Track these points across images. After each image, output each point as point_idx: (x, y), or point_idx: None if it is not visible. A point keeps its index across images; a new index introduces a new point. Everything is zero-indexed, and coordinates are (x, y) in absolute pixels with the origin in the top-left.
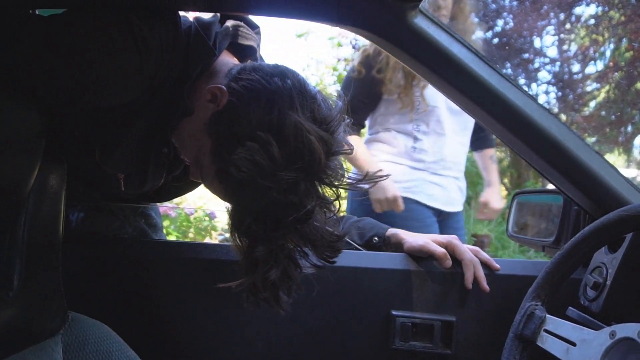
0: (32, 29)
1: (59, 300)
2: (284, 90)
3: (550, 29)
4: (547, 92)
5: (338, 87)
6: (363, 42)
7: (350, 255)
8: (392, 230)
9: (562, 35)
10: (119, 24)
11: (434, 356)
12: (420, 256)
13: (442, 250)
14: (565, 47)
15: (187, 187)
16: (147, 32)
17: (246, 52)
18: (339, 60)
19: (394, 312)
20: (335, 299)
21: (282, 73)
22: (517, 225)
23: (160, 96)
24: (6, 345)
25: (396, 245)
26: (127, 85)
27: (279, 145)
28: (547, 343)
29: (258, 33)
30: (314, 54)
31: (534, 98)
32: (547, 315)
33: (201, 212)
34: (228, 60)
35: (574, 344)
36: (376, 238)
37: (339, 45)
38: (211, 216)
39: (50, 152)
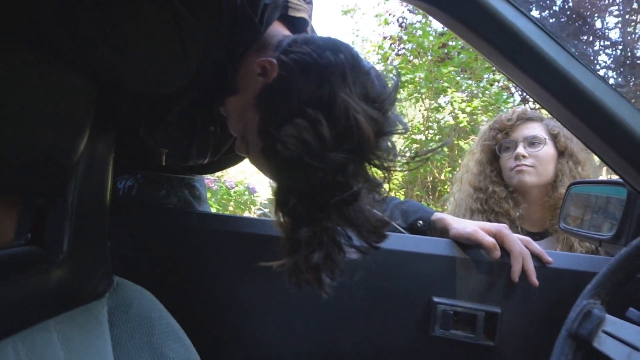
0: (82, 14)
1: (105, 265)
2: (336, 65)
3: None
4: (606, 78)
5: (382, 66)
6: (411, 19)
7: (392, 238)
8: (437, 215)
9: (627, 17)
10: (164, 13)
11: (475, 347)
12: (467, 244)
13: (491, 239)
14: (630, 29)
15: (234, 160)
16: (192, 21)
17: (298, 24)
18: (385, 38)
19: (435, 299)
20: (375, 281)
21: (334, 46)
22: (571, 217)
23: (205, 75)
24: (56, 305)
25: (442, 231)
26: (173, 75)
27: (329, 124)
28: (606, 345)
29: (309, 3)
30: (359, 31)
31: (604, 79)
32: (607, 316)
33: (241, 187)
34: (279, 31)
35: (638, 349)
36: (421, 222)
37: (386, 22)
38: (251, 191)
39: (99, 122)
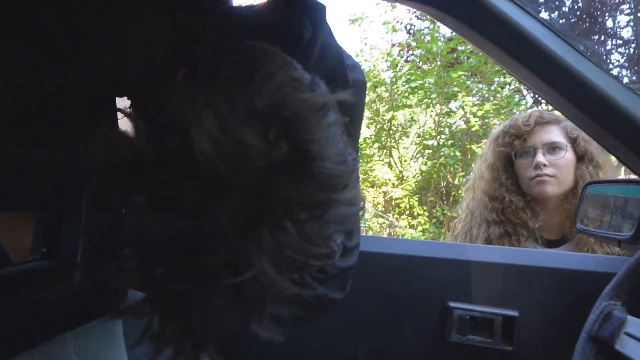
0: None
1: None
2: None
3: (625, 7)
4: (619, 76)
5: (391, 73)
6: (419, 26)
7: (404, 243)
8: None
9: (639, 15)
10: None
11: (494, 352)
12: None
13: None
14: None
15: None
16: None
17: None
18: (393, 45)
19: (451, 304)
20: (389, 287)
21: None
22: (588, 218)
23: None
24: (72, 318)
25: None
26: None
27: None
28: (628, 347)
29: None
30: (367, 39)
31: (616, 78)
32: (628, 317)
33: None
34: None
35: None
36: None
37: (394, 30)
38: None
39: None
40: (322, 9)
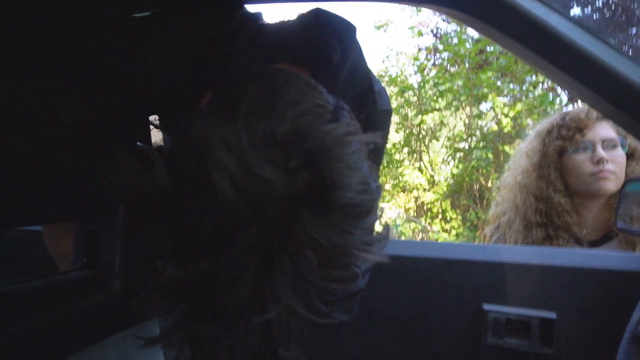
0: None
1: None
2: None
3: None
4: None
5: (419, 77)
6: (445, 29)
7: (436, 246)
8: None
9: None
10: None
11: (531, 355)
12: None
13: None
14: None
15: None
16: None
17: None
18: (420, 49)
19: (485, 307)
20: (422, 291)
21: None
22: (629, 216)
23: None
24: (111, 326)
25: None
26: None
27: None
28: None
29: None
30: (393, 45)
31: None
32: None
33: None
34: None
35: None
36: None
37: (420, 34)
38: None
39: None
40: (352, 29)
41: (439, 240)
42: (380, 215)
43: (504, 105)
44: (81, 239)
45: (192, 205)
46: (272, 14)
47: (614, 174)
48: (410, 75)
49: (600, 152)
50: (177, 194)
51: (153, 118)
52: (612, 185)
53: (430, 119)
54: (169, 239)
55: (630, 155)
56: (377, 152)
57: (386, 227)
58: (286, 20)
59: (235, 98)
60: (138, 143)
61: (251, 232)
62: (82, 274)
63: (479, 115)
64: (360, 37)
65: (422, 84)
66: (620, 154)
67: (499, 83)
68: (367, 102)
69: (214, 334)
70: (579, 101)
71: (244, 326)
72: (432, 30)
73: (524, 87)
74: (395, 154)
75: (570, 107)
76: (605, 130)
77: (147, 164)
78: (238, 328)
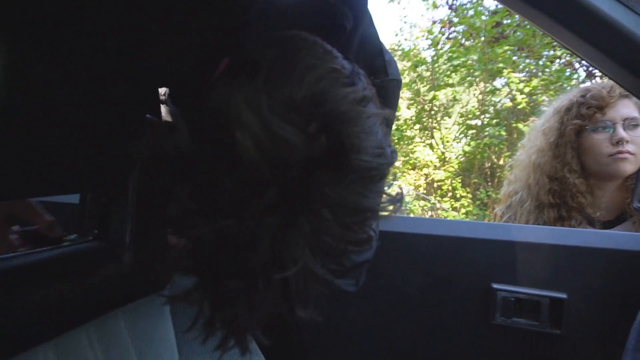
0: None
1: (165, 257)
2: None
3: None
4: None
5: (432, 51)
6: (461, 0)
7: (447, 223)
8: None
9: None
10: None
11: (541, 335)
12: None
13: None
14: None
15: None
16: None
17: None
18: (434, 22)
19: (494, 286)
20: (431, 268)
21: None
22: None
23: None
24: (122, 296)
25: None
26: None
27: None
28: None
29: None
30: (407, 17)
31: None
32: None
33: None
34: None
35: None
36: None
37: (434, 6)
38: None
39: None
40: None
41: (449, 218)
42: (394, 179)
43: (520, 81)
44: (92, 210)
45: (214, 165)
46: None
47: (633, 155)
48: (423, 49)
49: (621, 132)
50: (199, 155)
51: (162, 92)
52: (630, 166)
53: (443, 95)
54: (192, 198)
55: None
56: (387, 124)
57: (400, 191)
58: None
59: (254, 63)
60: (148, 115)
61: (271, 192)
62: (93, 245)
63: (493, 91)
64: (372, 8)
65: (435, 58)
66: None
67: (514, 58)
68: (377, 71)
69: (234, 289)
70: (597, 77)
71: (263, 283)
72: (447, 2)
73: (541, 62)
74: (406, 131)
75: (588, 83)
76: (628, 108)
77: (170, 127)
78: (258, 285)
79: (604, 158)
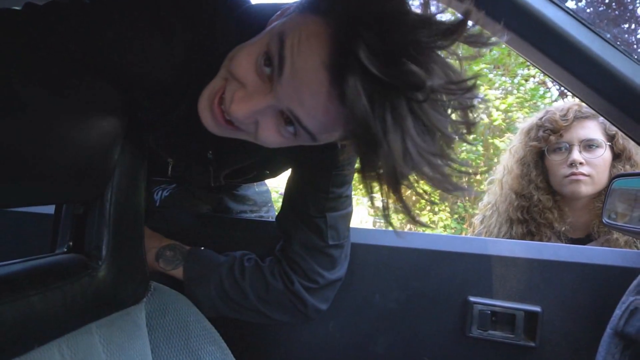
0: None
1: (142, 269)
2: None
3: None
4: None
5: None
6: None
7: (424, 237)
8: None
9: None
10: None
11: (516, 348)
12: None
13: None
14: None
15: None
16: (178, 27)
17: None
18: None
19: (471, 299)
20: (408, 282)
21: None
22: (615, 212)
23: (197, 82)
24: (97, 309)
25: None
26: (156, 64)
27: None
28: None
29: None
30: None
31: None
32: None
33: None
34: None
35: None
36: None
37: None
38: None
39: (129, 130)
40: None
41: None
42: None
43: (496, 97)
44: (68, 222)
45: None
46: None
47: (588, 176)
48: None
49: (575, 154)
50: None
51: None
52: (585, 188)
53: None
54: None
55: (617, 156)
56: None
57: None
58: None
59: None
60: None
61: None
62: (68, 258)
63: None
64: None
65: None
66: (600, 155)
67: (490, 75)
68: None
69: None
70: (570, 95)
71: None
72: None
73: (516, 81)
74: None
75: (560, 102)
76: (585, 130)
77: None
78: None
79: (560, 179)
